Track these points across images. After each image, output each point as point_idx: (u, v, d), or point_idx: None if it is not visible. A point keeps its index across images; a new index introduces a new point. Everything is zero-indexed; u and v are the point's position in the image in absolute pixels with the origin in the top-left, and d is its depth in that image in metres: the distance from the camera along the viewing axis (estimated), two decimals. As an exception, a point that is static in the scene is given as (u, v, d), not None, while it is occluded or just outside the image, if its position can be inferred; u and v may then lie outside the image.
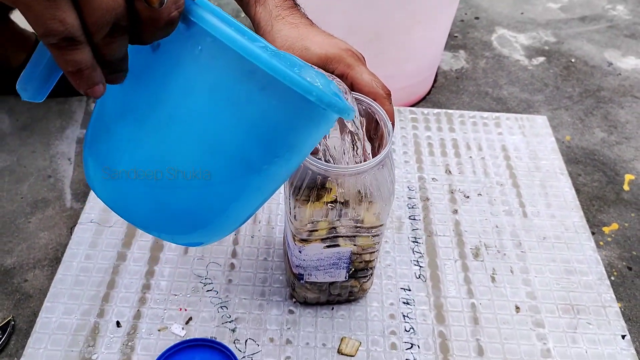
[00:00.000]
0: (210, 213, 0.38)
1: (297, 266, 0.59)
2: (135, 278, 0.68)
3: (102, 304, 0.65)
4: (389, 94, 0.51)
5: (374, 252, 0.59)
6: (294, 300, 0.67)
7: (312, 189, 0.50)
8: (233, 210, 0.39)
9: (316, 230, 0.54)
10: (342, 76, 0.50)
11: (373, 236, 0.56)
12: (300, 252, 0.57)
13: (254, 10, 0.54)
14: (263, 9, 0.53)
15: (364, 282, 0.64)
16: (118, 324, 0.64)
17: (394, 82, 0.92)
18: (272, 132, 0.35)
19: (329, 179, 0.49)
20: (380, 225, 0.55)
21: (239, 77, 0.33)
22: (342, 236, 0.55)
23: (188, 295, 0.67)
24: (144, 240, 0.72)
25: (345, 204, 0.51)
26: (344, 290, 0.64)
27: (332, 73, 0.50)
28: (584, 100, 1.00)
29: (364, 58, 0.52)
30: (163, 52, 0.34)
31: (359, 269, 0.61)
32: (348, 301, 0.67)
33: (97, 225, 0.73)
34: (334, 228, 0.54)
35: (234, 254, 0.71)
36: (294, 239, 0.56)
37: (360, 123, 0.53)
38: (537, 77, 1.06)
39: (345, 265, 0.59)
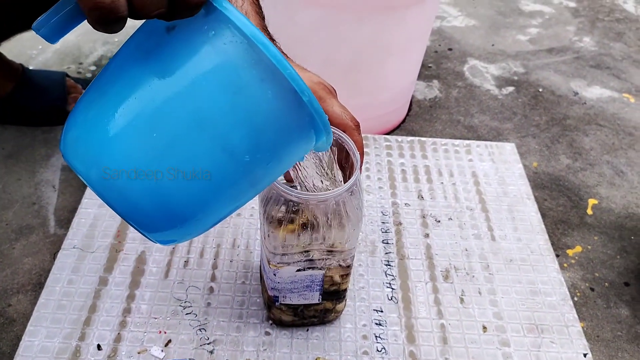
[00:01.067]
0: (187, 199, 0.38)
1: (272, 289, 0.62)
2: (117, 302, 0.70)
3: (83, 327, 0.67)
4: (358, 126, 0.55)
5: (345, 275, 0.62)
6: (270, 322, 0.69)
7: (285, 214, 0.53)
8: (206, 199, 0.39)
9: (289, 254, 0.57)
10: None
11: (343, 259, 0.59)
12: (274, 274, 0.59)
13: None
14: None
15: (337, 304, 0.67)
16: (99, 347, 0.66)
17: (369, 111, 0.96)
18: (260, 124, 0.37)
19: (301, 205, 0.53)
20: (351, 249, 0.58)
21: (243, 64, 0.35)
22: (314, 259, 0.58)
23: (168, 318, 0.69)
24: (125, 265, 0.74)
25: (317, 229, 0.54)
26: (318, 312, 0.67)
27: None
28: (551, 129, 1.05)
29: (335, 91, 0.56)
30: (176, 33, 0.36)
31: (332, 292, 0.64)
32: (322, 323, 0.69)
33: (80, 251, 0.75)
34: (307, 252, 0.57)
35: (213, 278, 0.74)
36: (268, 262, 0.59)
37: (333, 153, 0.56)
38: (506, 106, 1.11)
39: (318, 287, 0.62)
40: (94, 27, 0.32)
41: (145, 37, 0.37)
